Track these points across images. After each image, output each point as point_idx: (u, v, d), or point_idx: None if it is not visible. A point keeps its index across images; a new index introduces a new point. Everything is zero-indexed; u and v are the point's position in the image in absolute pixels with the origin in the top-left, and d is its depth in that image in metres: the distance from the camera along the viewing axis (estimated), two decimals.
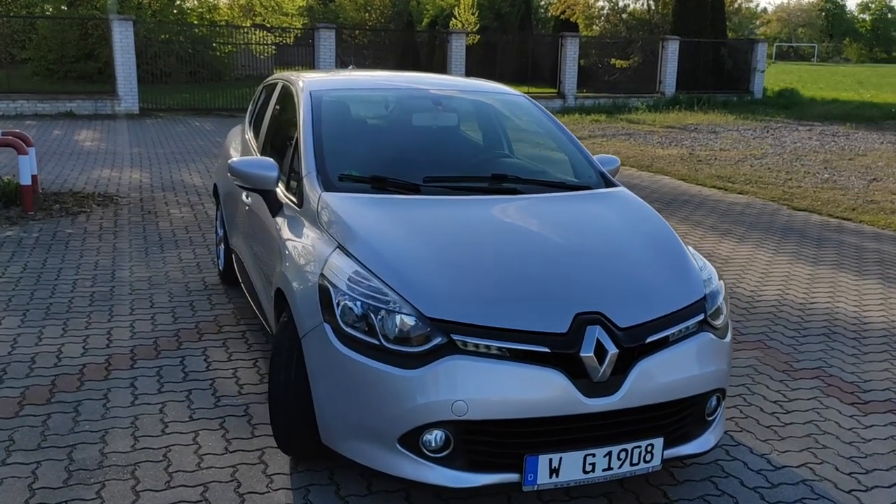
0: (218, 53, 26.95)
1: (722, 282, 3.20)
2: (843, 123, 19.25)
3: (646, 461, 2.78)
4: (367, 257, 2.93)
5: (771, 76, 30.77)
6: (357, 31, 29.37)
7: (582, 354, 2.66)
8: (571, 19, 28.67)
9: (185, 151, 12.39)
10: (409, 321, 2.71)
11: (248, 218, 4.28)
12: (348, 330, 2.78)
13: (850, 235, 7.86)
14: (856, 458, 3.39)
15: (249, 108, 5.44)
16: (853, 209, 9.11)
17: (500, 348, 2.66)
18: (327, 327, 2.82)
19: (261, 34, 24.74)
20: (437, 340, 2.66)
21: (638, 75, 24.58)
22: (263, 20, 30.81)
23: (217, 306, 5.11)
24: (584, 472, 2.70)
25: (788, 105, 23.68)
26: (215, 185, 5.68)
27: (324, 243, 3.11)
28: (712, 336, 2.96)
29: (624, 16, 28.42)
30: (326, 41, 19.56)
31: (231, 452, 3.30)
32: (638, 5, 28.49)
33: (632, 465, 2.76)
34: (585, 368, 2.67)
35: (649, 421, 2.80)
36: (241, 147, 5.03)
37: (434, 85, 4.51)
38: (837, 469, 3.30)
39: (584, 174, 3.88)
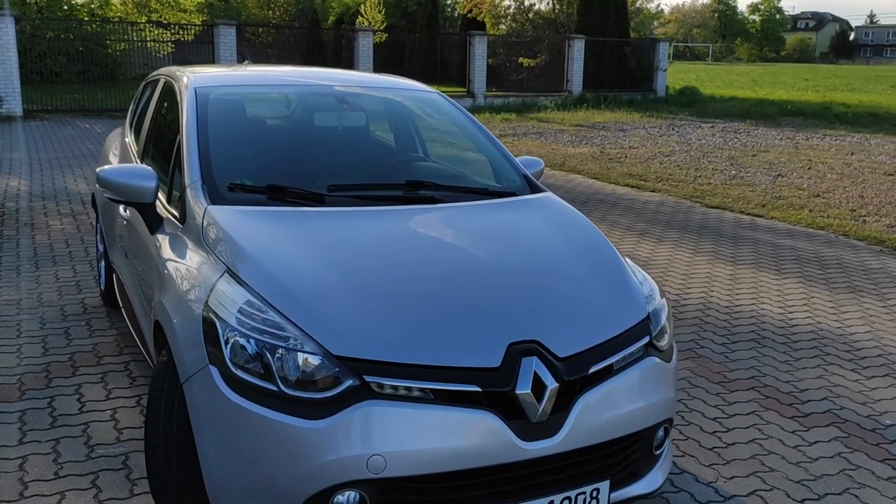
0: (111, 51, 25.59)
1: (665, 298, 2.88)
2: (743, 120, 19.70)
3: None
4: (262, 284, 2.47)
5: (671, 75, 31.39)
6: (260, 29, 28.40)
7: (518, 392, 2.28)
8: (479, 18, 28.51)
9: (72, 156, 11.48)
10: (314, 361, 2.26)
11: (126, 233, 3.74)
12: (239, 373, 2.31)
13: (764, 232, 7.81)
14: (805, 482, 3.14)
15: (131, 107, 4.86)
16: (763, 205, 9.12)
17: (422, 389, 2.25)
18: (213, 370, 2.35)
19: (157, 31, 23.53)
20: (348, 383, 2.23)
21: (545, 74, 24.62)
22: (160, 16, 29.49)
23: (97, 333, 4.52)
24: None
25: (690, 103, 24.16)
26: (93, 195, 5.06)
27: (209, 267, 2.63)
28: (658, 360, 2.63)
29: (530, 15, 28.44)
30: (226, 38, 18.72)
31: None
32: (543, 5, 28.59)
33: None
34: (522, 407, 2.29)
35: (594, 462, 2.45)
36: (121, 152, 4.46)
37: (338, 81, 4.06)
38: (789, 496, 3.04)
39: (508, 178, 3.51)
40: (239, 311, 2.39)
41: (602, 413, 2.41)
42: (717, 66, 69.22)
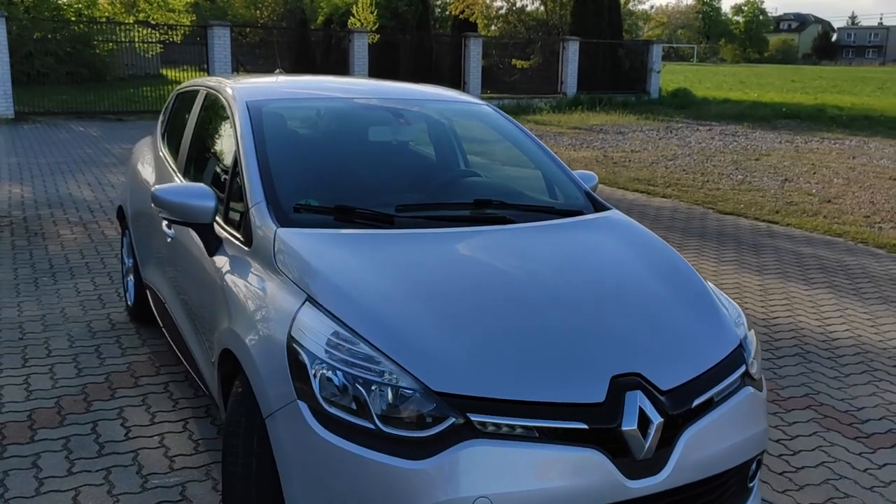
0: (99, 52, 25.27)
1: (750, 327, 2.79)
2: (739, 123, 19.73)
3: None
4: (348, 314, 2.35)
5: (661, 77, 31.48)
6: (248, 29, 28.15)
7: (623, 428, 2.18)
8: (471, 19, 28.40)
9: (71, 161, 11.27)
10: (412, 397, 2.15)
11: (171, 252, 3.60)
12: (331, 410, 2.19)
13: (783, 240, 7.76)
14: None
15: (161, 118, 4.71)
16: (776, 212, 9.08)
17: (527, 427, 2.14)
18: (303, 406, 2.23)
19: (145, 31, 23.25)
20: (451, 421, 2.12)
21: (539, 76, 24.57)
22: (147, 16, 29.15)
23: (129, 351, 4.37)
24: None
25: (684, 105, 24.20)
26: (120, 208, 4.90)
27: (287, 294, 2.50)
28: (753, 390, 2.54)
29: (522, 16, 28.36)
30: (221, 39, 18.48)
31: None
32: (535, 6, 28.53)
33: None
34: (628, 444, 2.19)
35: (695, 499, 2.35)
36: (155, 166, 4.31)
37: (386, 93, 3.93)
38: None
39: (570, 195, 3.41)
40: (327, 343, 2.27)
41: (705, 448, 2.32)
42: (703, 67, 69.55)
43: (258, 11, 39.88)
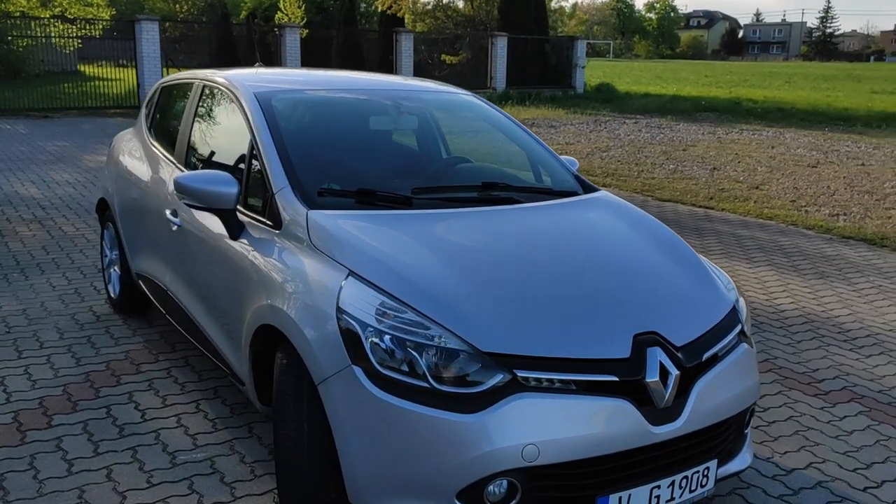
0: (14, 48, 24.33)
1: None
2: (663, 116, 20.52)
3: (702, 486, 2.62)
4: (393, 285, 2.55)
5: (584, 72, 32.30)
6: (167, 24, 27.57)
7: (647, 380, 2.45)
8: (398, 14, 28.55)
9: (7, 159, 10.97)
10: (463, 358, 2.37)
11: (178, 240, 3.70)
12: (386, 372, 2.39)
13: (721, 224, 8.25)
14: (850, 454, 3.44)
15: (144, 112, 4.76)
16: (711, 198, 9.61)
17: (565, 381, 2.39)
18: (358, 370, 2.42)
19: (63, 26, 22.53)
20: (499, 378, 2.35)
21: (468, 71, 24.92)
22: (64, 11, 28.20)
23: (122, 341, 4.43)
24: None
25: (608, 99, 24.96)
26: (102, 200, 4.93)
27: (329, 270, 2.68)
28: (747, 346, 2.85)
29: (449, 12, 28.67)
30: (149, 34, 18.14)
31: None
32: (462, 3, 28.88)
33: (690, 491, 2.59)
34: (651, 394, 2.46)
35: (705, 443, 2.64)
36: (146, 158, 4.37)
37: (380, 84, 4.12)
38: (841, 466, 3.33)
39: (562, 178, 3.67)
40: (377, 312, 2.46)
41: (713, 397, 2.60)
42: (620, 63, 71.38)
43: (177, 6, 39.04)
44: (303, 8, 27.20)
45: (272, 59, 22.03)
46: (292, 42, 20.39)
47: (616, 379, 2.42)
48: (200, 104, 3.96)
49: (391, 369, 2.39)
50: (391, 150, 3.74)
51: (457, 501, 2.35)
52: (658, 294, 2.77)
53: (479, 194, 3.30)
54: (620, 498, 2.43)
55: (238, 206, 3.21)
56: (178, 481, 3.03)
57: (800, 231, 8.01)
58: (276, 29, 22.57)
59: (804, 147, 14.72)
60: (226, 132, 3.74)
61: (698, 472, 2.59)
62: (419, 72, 23.96)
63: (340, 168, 3.36)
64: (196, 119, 3.95)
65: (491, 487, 2.35)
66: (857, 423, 3.73)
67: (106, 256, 5.01)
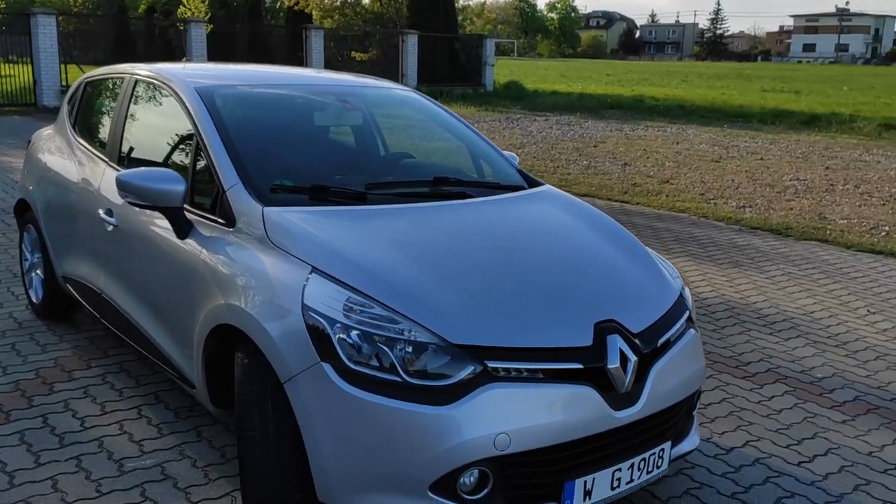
0: None
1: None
2: (572, 114, 20.99)
3: (657, 467, 2.73)
4: (358, 280, 2.54)
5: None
6: (62, 17, 26.30)
7: (609, 366, 2.53)
8: (306, 10, 28.17)
9: None
10: (434, 350, 2.39)
11: (115, 240, 3.57)
12: (356, 367, 2.38)
13: (637, 217, 8.54)
14: (782, 431, 3.63)
15: (66, 109, 4.55)
16: (625, 192, 9.92)
17: (532, 370, 2.44)
18: (327, 367, 2.40)
19: None
20: (470, 369, 2.38)
21: (378, 69, 24.77)
22: None
23: (49, 348, 4.24)
24: (612, 488, 2.59)
25: (517, 97, 25.35)
26: (22, 201, 4.69)
27: (290, 267, 2.64)
28: (695, 332, 2.97)
29: (358, 9, 28.50)
30: (46, 28, 17.32)
31: None
32: (370, 0, 28.74)
33: (647, 473, 2.69)
34: (612, 380, 2.54)
35: (661, 426, 2.74)
36: (72, 157, 4.18)
37: (319, 80, 4.09)
38: (775, 443, 3.51)
39: (507, 173, 3.73)
40: (343, 308, 2.45)
41: (668, 381, 2.71)
42: (524, 62, 72.57)
43: None
44: (206, 2, 26.49)
45: (175, 54, 21.36)
46: (198, 37, 19.85)
47: (581, 366, 2.49)
48: (133, 100, 3.83)
49: (361, 364, 2.39)
50: (337, 146, 3.72)
51: (430, 493, 2.37)
52: (613, 283, 2.87)
53: (431, 189, 3.33)
54: (586, 482, 2.51)
55: (184, 205, 3.13)
56: (130, 489, 2.94)
57: (710, 223, 8.37)
58: (179, 23, 21.91)
59: (706, 143, 15.35)
60: (164, 128, 3.64)
61: (654, 453, 2.69)
62: (329, 69, 23.74)
63: (289, 164, 3.31)
64: (129, 115, 3.81)
65: (463, 478, 2.38)
66: (784, 403, 3.94)
67: (26, 260, 4.77)
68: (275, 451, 2.54)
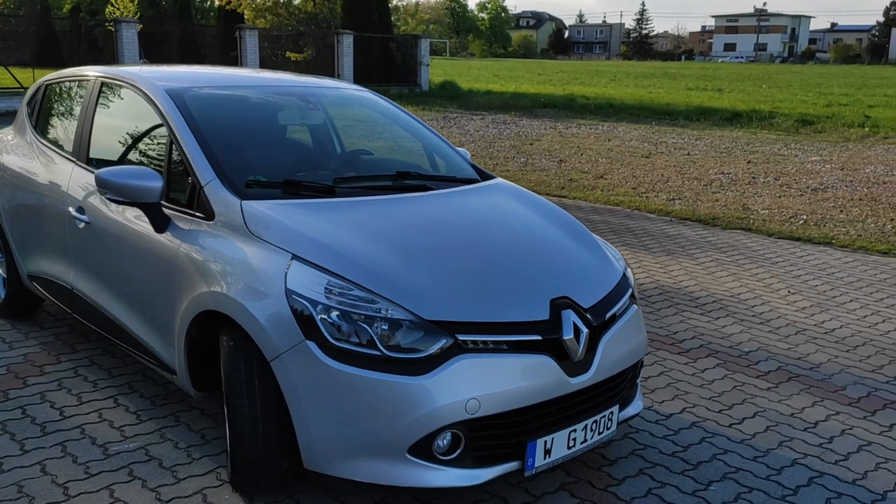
0: None
1: None
2: (507, 112, 21.45)
3: (607, 428, 3.04)
4: (336, 265, 2.78)
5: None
6: None
7: (564, 338, 2.83)
8: (238, 10, 27.96)
9: None
10: (409, 326, 2.64)
11: (89, 237, 3.70)
12: (338, 344, 2.62)
13: (574, 211, 8.90)
14: (715, 399, 4.00)
15: (25, 111, 4.63)
16: (562, 187, 10.32)
17: (497, 342, 2.72)
18: (311, 344, 2.63)
19: None
20: (442, 342, 2.64)
21: (313, 69, 24.82)
22: None
23: (17, 345, 4.33)
24: (569, 447, 2.88)
25: (453, 96, 25.71)
26: None
27: (271, 255, 2.86)
28: (637, 308, 3.30)
29: (291, 9, 28.41)
30: None
31: (167, 502, 2.90)
32: (303, 0, 28.67)
33: (599, 434, 3.00)
34: (567, 350, 2.83)
35: (609, 391, 3.06)
36: (40, 158, 4.27)
37: (282, 81, 4.28)
38: (709, 409, 3.87)
39: (461, 167, 4.00)
40: (325, 290, 2.69)
41: (615, 351, 3.02)
42: (457, 61, 73.13)
43: None
44: (135, 2, 26.05)
45: (102, 55, 21.02)
46: (129, 38, 19.57)
47: (540, 338, 2.78)
48: (100, 101, 3.96)
49: (343, 341, 2.63)
50: (302, 144, 3.93)
51: (409, 455, 2.63)
52: (564, 264, 3.17)
53: (394, 183, 3.58)
54: (546, 441, 2.80)
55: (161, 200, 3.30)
56: (117, 470, 3.10)
57: (643, 215, 8.81)
58: (107, 23, 21.53)
59: (636, 139, 15.94)
60: (133, 129, 3.79)
61: (604, 416, 3.00)
62: (265, 69, 23.66)
63: (259, 161, 3.51)
64: (96, 116, 3.94)
65: (438, 440, 2.64)
66: (716, 374, 4.32)
67: None
68: (262, 425, 2.75)
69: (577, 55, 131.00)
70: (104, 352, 4.27)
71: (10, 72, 18.84)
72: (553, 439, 2.82)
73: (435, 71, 40.82)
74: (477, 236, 3.21)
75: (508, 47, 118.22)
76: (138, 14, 26.18)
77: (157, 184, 3.18)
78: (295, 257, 2.82)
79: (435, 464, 2.66)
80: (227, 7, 27.69)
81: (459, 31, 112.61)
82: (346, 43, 23.80)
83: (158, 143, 3.53)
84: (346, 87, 4.44)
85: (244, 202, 3.06)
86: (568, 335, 2.83)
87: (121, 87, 3.87)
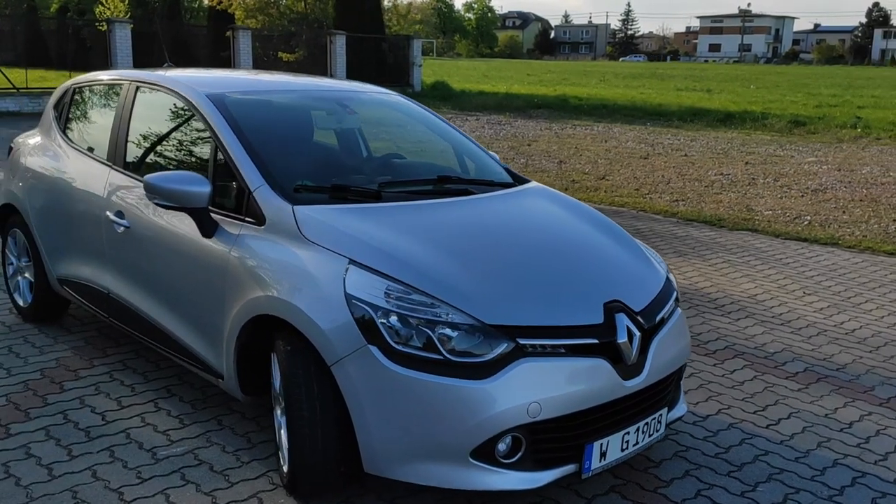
0: None
1: None
2: (501, 113, 21.51)
3: (657, 430, 3.07)
4: (394, 269, 2.79)
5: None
6: None
7: (619, 341, 2.86)
8: (229, 10, 27.85)
9: None
10: (471, 331, 2.66)
11: (129, 242, 3.69)
12: (402, 349, 2.64)
13: None
14: (748, 400, 4.04)
15: (52, 114, 4.61)
16: (565, 189, 10.35)
17: (555, 346, 2.75)
18: (373, 349, 2.65)
19: None
20: (504, 346, 2.66)
21: (305, 69, 24.76)
22: None
23: (47, 349, 4.32)
24: (622, 450, 2.91)
25: (446, 97, 25.72)
26: (7, 207, 4.70)
27: (327, 260, 2.87)
28: (681, 311, 3.33)
29: (282, 9, 28.34)
30: None
31: None
32: (294, 0, 28.60)
33: (649, 436, 3.03)
34: (621, 354, 2.86)
35: (659, 394, 3.09)
36: (71, 161, 4.25)
37: (316, 86, 4.29)
38: (744, 410, 3.91)
39: (497, 171, 4.02)
40: (385, 295, 2.70)
41: (665, 354, 3.06)
42: (445, 62, 73.17)
43: None
44: (126, 2, 25.89)
45: (91, 55, 20.86)
46: (122, 38, 19.43)
47: (596, 341, 2.81)
48: (136, 106, 3.95)
49: (405, 345, 2.65)
50: (342, 148, 3.95)
51: (471, 459, 2.65)
52: (612, 268, 3.20)
53: (436, 187, 3.59)
54: (601, 444, 2.83)
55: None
56: (169, 474, 3.10)
57: (649, 216, 8.87)
58: (100, 23, 21.37)
59: (632, 140, 16.03)
60: (173, 134, 3.78)
61: (655, 418, 3.04)
62: (258, 69, 23.56)
63: (303, 165, 3.52)
64: (133, 121, 3.93)
65: (500, 444, 2.66)
66: (745, 375, 4.36)
67: (11, 264, 4.80)
68: (321, 429, 2.76)
69: (563, 55, 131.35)
70: (136, 355, 4.26)
71: (2, 73, 18.67)
72: (608, 442, 2.85)
73: (425, 71, 40.69)
74: (525, 240, 3.24)
75: (495, 47, 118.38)
76: (128, 14, 26.00)
77: (206, 189, 3.18)
78: (352, 262, 2.83)
79: (497, 467, 2.68)
80: (218, 7, 27.59)
81: (446, 32, 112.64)
82: (339, 43, 23.76)
83: (200, 148, 3.53)
84: (376, 91, 4.46)
85: (296, 207, 3.07)
86: (622, 338, 2.86)
87: (158, 91, 3.86)
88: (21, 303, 4.72)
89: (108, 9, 25.10)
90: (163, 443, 3.35)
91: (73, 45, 27.38)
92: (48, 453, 3.23)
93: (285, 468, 2.95)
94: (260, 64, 24.36)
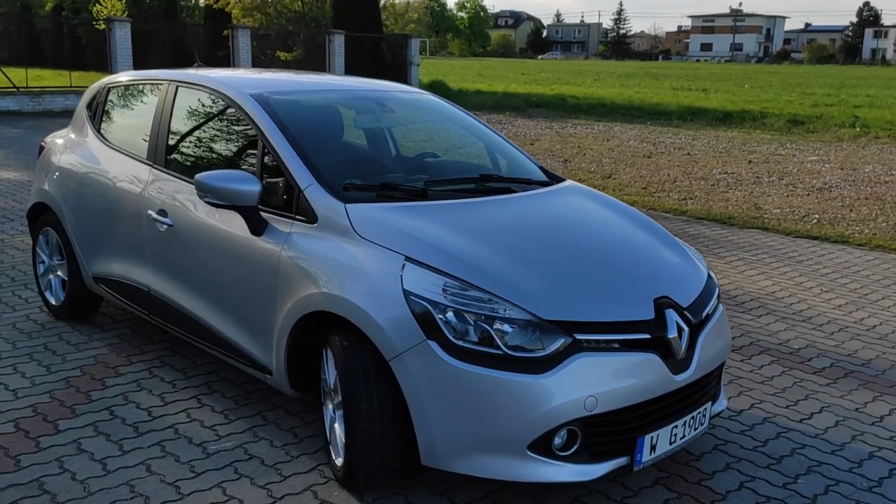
0: None
1: None
2: (500, 112, 21.57)
3: (701, 424, 3.13)
4: (450, 266, 2.84)
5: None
6: None
7: (669, 336, 2.91)
8: (226, 9, 27.81)
9: None
10: (529, 326, 2.71)
11: (172, 240, 3.73)
12: (461, 343, 2.69)
13: None
14: (779, 395, 4.11)
15: (85, 114, 4.63)
16: None
17: (609, 341, 2.80)
18: (433, 344, 2.70)
19: None
20: (561, 341, 2.71)
21: (303, 68, 24.78)
22: None
23: (83, 347, 4.34)
24: (671, 443, 2.97)
25: (443, 96, 25.63)
26: (39, 205, 4.73)
27: (383, 257, 2.92)
28: (723, 307, 3.39)
29: (279, 8, 28.32)
30: None
31: (280, 499, 2.95)
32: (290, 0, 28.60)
33: (695, 429, 3.09)
34: (671, 348, 2.92)
35: (705, 388, 3.15)
36: (108, 160, 4.28)
37: (353, 85, 4.34)
38: (776, 405, 3.98)
39: (532, 170, 4.08)
40: (443, 291, 2.75)
41: (710, 348, 3.12)
42: (439, 61, 73.22)
43: None
44: (123, 1, 25.82)
45: (86, 53, 20.81)
46: (122, 37, 19.38)
47: (648, 337, 2.87)
48: (177, 105, 3.98)
49: (464, 340, 2.70)
50: (390, 147, 3.99)
51: (528, 452, 2.70)
52: (658, 264, 3.26)
53: (478, 185, 3.64)
54: (652, 437, 2.88)
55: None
56: (222, 468, 3.14)
57: (659, 214, 8.93)
58: (98, 22, 21.31)
59: (634, 139, 16.11)
60: (217, 133, 3.82)
61: (700, 412, 3.10)
62: (256, 68, 23.54)
63: (349, 164, 3.57)
64: (174, 120, 3.97)
65: (557, 437, 2.72)
66: (773, 371, 4.43)
67: (43, 263, 4.82)
68: (380, 423, 2.81)
69: (553, 55, 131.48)
70: (173, 352, 4.29)
71: (3, 72, 18.61)
72: (658, 435, 2.90)
73: (420, 70, 40.87)
74: (572, 237, 3.29)
75: (487, 46, 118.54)
76: (125, 12, 25.93)
77: (256, 188, 3.22)
78: (408, 259, 2.88)
79: (553, 459, 2.73)
80: (216, 6, 27.54)
81: (439, 31, 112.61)
82: (338, 42, 23.77)
83: (246, 148, 3.57)
84: (411, 91, 4.51)
85: (348, 205, 3.11)
86: (672, 333, 2.92)
87: (200, 91, 3.90)
88: (53, 301, 4.74)
89: (106, 8, 25.00)
90: (211, 438, 3.39)
91: (68, 44, 27.31)
92: (99, 448, 3.26)
93: (338, 462, 3.00)
94: (258, 63, 24.33)
